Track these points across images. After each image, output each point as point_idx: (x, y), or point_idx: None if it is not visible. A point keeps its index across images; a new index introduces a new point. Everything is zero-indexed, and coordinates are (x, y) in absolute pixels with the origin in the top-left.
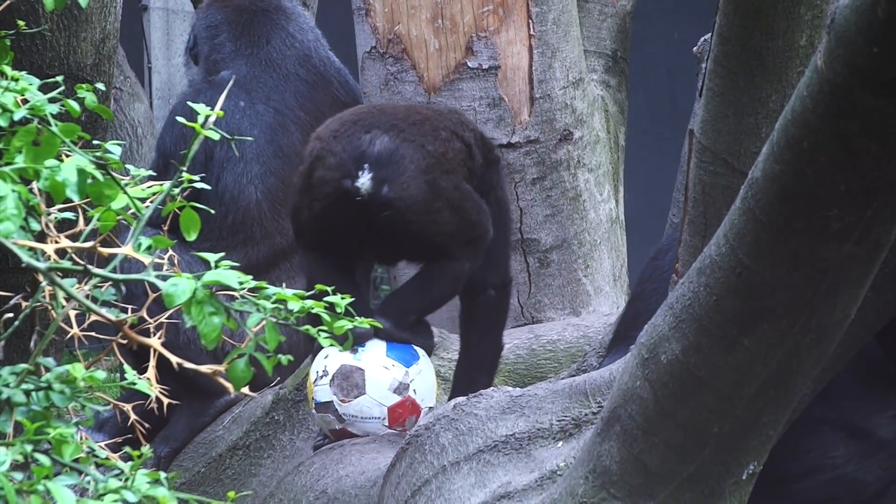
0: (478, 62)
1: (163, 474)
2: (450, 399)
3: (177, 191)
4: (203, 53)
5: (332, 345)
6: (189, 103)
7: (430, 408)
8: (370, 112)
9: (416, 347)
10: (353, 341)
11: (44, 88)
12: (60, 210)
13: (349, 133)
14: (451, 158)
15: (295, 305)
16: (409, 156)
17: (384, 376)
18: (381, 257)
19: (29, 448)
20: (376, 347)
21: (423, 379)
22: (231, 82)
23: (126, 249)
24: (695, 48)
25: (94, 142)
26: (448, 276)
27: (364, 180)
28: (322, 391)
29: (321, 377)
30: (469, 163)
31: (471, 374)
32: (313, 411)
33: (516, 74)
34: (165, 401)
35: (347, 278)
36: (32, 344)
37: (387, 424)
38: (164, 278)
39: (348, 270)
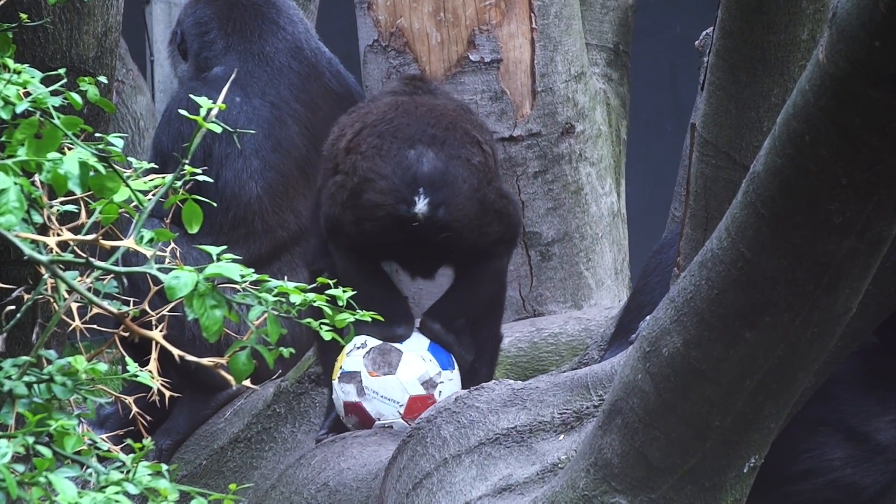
0: (480, 55)
1: (164, 466)
2: None
3: (178, 184)
4: (192, 50)
5: (333, 338)
6: (192, 97)
7: None
8: (400, 117)
9: (454, 358)
10: (354, 334)
11: (46, 81)
12: (63, 203)
13: (395, 151)
14: (490, 166)
15: (297, 298)
16: (460, 175)
17: (418, 366)
18: (423, 268)
19: (31, 440)
20: (420, 339)
21: (452, 388)
22: (233, 76)
23: (128, 242)
24: (697, 42)
25: (97, 135)
26: (494, 276)
27: (421, 206)
28: (353, 361)
29: (357, 348)
30: (494, 165)
31: (472, 366)
32: (334, 382)
33: (518, 68)
34: (167, 393)
35: (385, 278)
36: (34, 336)
37: (402, 413)
38: (167, 271)
39: (381, 270)
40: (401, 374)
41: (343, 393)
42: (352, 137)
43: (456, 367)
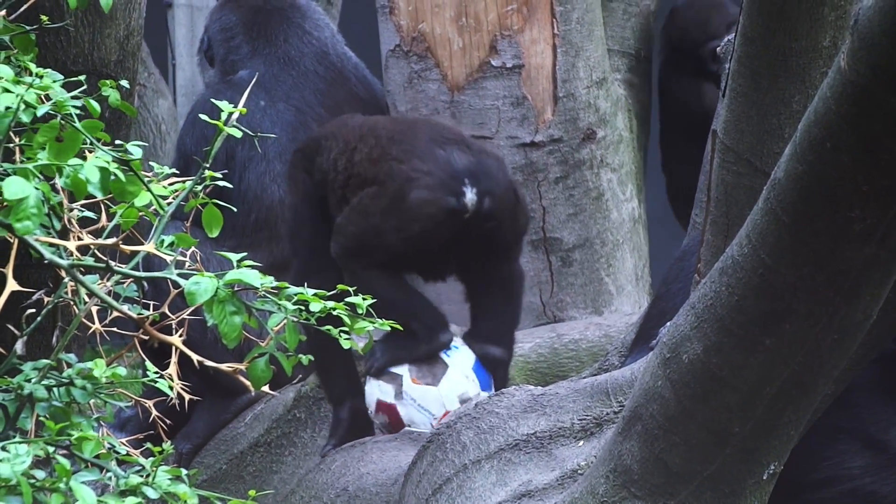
0: (501, 61)
1: (184, 471)
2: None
3: (199, 188)
4: (219, 56)
5: (352, 346)
6: (212, 101)
7: None
8: (404, 127)
9: (494, 381)
10: (372, 343)
11: (68, 85)
12: (83, 207)
13: (426, 151)
14: None
15: (316, 306)
16: (493, 166)
17: (460, 383)
18: (445, 270)
19: (51, 450)
20: (467, 356)
21: None
22: (253, 80)
23: (148, 247)
24: (718, 48)
25: (117, 141)
26: (522, 282)
27: (470, 196)
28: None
29: None
30: None
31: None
32: (371, 378)
33: (540, 73)
34: (187, 398)
35: (416, 289)
36: (54, 340)
37: (433, 425)
38: (187, 276)
39: (408, 282)
40: (442, 388)
41: (380, 391)
42: (369, 150)
43: (493, 388)
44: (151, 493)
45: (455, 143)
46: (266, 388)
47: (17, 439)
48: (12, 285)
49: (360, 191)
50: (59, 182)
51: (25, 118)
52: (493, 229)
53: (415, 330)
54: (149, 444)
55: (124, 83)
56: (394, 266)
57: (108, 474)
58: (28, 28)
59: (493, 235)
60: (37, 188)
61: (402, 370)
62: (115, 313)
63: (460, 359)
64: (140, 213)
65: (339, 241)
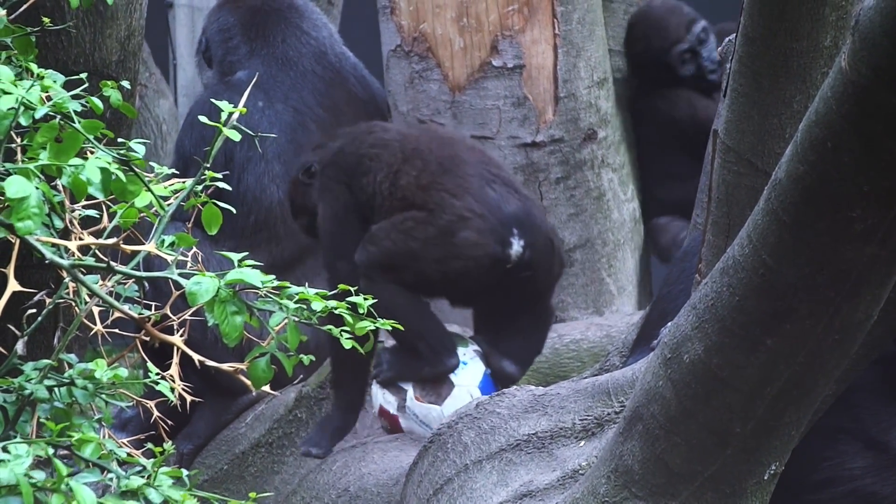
0: (503, 61)
1: (185, 472)
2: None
3: (199, 188)
4: (217, 57)
5: (353, 346)
6: (212, 100)
7: None
8: (448, 148)
9: None
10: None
11: (69, 85)
12: (85, 207)
13: (478, 189)
14: None
15: (318, 305)
16: (538, 217)
17: (464, 402)
18: (465, 301)
19: (51, 451)
20: (475, 372)
21: None
22: (254, 80)
23: (149, 246)
24: (719, 48)
25: (119, 139)
26: (552, 318)
27: (517, 247)
28: None
29: None
30: None
31: (503, 369)
32: (376, 385)
33: (541, 74)
34: (188, 398)
35: (432, 312)
36: (56, 340)
37: None
38: (188, 276)
39: (426, 303)
40: (445, 408)
41: (384, 399)
42: (418, 175)
43: None
44: (154, 495)
45: (504, 184)
46: (267, 389)
47: (17, 440)
48: (14, 285)
49: (404, 211)
50: (60, 182)
51: (24, 122)
52: (528, 278)
53: (421, 351)
54: (150, 445)
55: (125, 83)
56: (416, 288)
57: (110, 475)
58: (30, 30)
59: (525, 283)
60: (37, 188)
61: (408, 385)
62: (117, 314)
63: (468, 377)
64: (140, 214)
65: (371, 251)
